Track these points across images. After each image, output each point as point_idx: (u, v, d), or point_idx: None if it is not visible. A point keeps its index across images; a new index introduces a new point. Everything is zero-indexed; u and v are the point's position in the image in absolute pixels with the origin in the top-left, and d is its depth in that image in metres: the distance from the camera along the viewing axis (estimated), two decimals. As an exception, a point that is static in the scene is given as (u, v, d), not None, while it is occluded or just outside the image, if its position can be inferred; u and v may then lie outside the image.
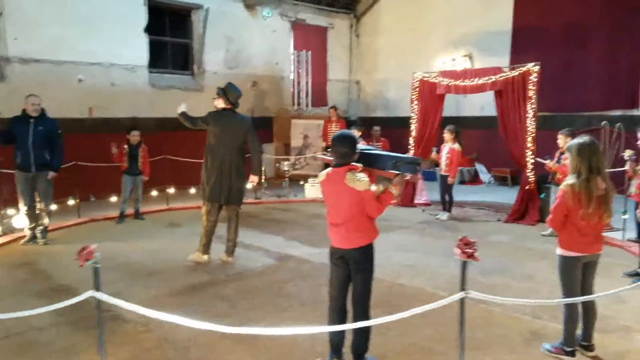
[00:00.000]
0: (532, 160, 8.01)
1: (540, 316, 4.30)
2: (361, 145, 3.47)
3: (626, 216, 6.51)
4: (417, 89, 9.39)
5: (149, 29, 10.85)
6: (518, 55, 11.17)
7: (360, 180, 3.16)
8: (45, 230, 6.94)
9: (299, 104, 13.47)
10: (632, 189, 5.84)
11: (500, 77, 8.20)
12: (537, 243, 6.82)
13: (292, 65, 13.59)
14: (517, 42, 11.76)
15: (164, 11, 11.57)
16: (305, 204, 9.81)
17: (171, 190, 9.72)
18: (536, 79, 7.86)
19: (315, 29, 14.40)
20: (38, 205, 6.82)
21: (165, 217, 8.67)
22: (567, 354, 3.57)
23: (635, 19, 10.20)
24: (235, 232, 6.03)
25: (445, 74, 9.17)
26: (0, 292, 5.04)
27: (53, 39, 9.46)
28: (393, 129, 12.23)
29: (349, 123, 12.25)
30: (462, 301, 2.57)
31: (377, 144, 10.87)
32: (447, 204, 8.48)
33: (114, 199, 9.02)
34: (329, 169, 3.35)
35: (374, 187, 3.23)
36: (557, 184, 5.87)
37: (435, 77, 9.14)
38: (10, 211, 7.40)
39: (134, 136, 8.11)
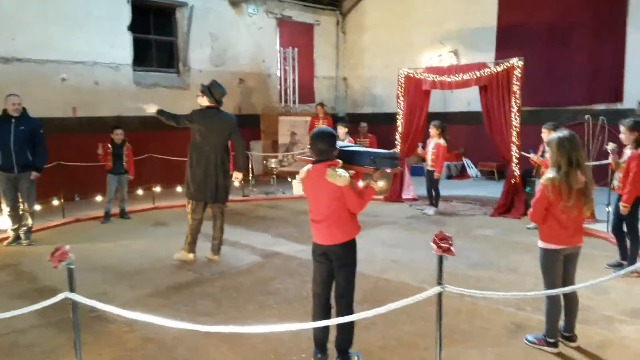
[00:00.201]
0: (517, 155, 8.07)
1: (524, 308, 4.34)
2: (340, 143, 3.46)
3: (609, 209, 6.58)
4: (403, 85, 9.40)
5: (133, 27, 10.75)
6: (503, 51, 11.22)
7: (340, 175, 3.15)
8: (29, 231, 6.88)
9: (286, 101, 13.47)
10: (615, 182, 5.89)
11: (485, 72, 8.25)
12: (522, 236, 6.88)
13: (279, 63, 13.55)
14: (502, 38, 11.85)
15: (148, 9, 11.46)
16: (293, 201, 9.80)
17: (157, 189, 9.68)
18: (520, 74, 7.91)
19: (302, 26, 14.38)
20: (21, 206, 6.75)
21: (152, 216, 8.63)
22: (550, 345, 3.61)
23: (618, 14, 10.31)
24: (220, 230, 6.01)
25: (430, 70, 9.20)
26: (-18, 294, 4.98)
27: (35, 37, 9.33)
28: (381, 125, 12.26)
29: (336, 120, 12.24)
30: (439, 295, 2.59)
31: (365, 140, 10.89)
32: (433, 198, 8.53)
33: (99, 198, 8.96)
34: (309, 166, 3.34)
35: (361, 184, 3.23)
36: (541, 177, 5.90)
37: (420, 73, 9.17)
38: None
39: (118, 135, 8.05)
